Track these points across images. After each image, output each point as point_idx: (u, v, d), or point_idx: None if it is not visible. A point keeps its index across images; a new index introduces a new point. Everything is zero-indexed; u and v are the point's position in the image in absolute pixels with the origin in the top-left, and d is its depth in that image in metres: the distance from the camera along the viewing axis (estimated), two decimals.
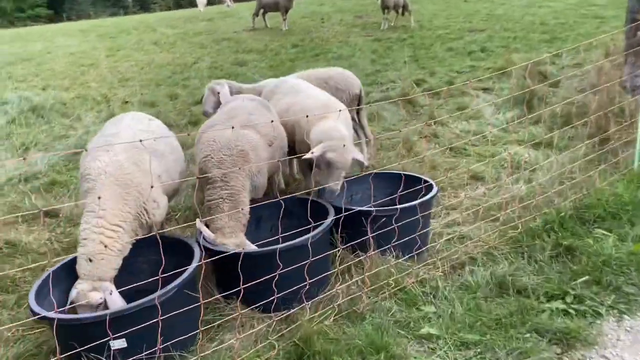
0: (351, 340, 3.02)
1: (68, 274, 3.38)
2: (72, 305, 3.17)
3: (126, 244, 3.40)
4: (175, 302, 3.02)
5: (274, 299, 3.34)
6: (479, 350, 2.99)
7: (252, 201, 4.05)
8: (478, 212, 4.57)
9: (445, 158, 6.15)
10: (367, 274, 3.46)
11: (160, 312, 2.87)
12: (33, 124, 7.65)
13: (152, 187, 3.33)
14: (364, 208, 3.93)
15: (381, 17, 16.26)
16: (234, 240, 3.65)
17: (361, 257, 3.73)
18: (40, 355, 3.23)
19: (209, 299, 3.32)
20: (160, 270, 2.69)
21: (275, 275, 3.18)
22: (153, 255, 3.70)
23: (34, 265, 3.66)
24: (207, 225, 3.75)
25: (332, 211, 3.86)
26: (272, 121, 4.09)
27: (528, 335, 3.08)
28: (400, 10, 16.18)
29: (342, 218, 3.99)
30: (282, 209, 3.79)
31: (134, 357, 2.86)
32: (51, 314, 2.90)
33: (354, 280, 3.54)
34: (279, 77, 10.04)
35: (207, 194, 3.78)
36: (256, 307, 3.50)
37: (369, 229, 3.73)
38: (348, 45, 13.71)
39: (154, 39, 16.74)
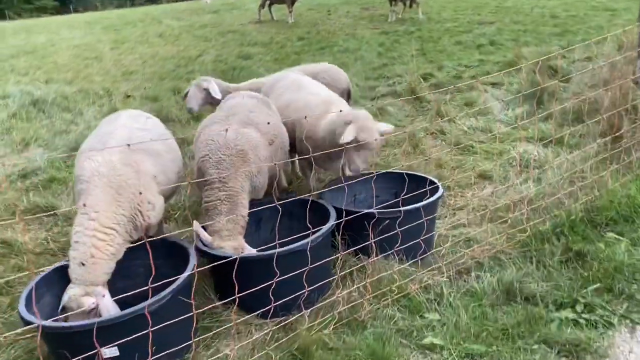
0: (351, 351, 2.90)
1: (61, 277, 3.28)
2: (66, 314, 3.07)
3: (120, 247, 3.30)
4: (169, 310, 2.92)
5: (272, 304, 3.24)
6: None
7: (253, 201, 3.95)
8: (485, 214, 4.43)
9: (452, 156, 6.00)
10: (368, 280, 3.33)
11: (151, 321, 2.78)
12: (34, 119, 7.56)
13: (140, 193, 3.19)
14: (366, 211, 3.78)
15: (388, 9, 16.03)
16: (232, 243, 3.54)
17: (364, 263, 3.60)
18: None
19: (203, 309, 3.21)
20: (150, 280, 2.56)
21: (273, 281, 3.07)
22: (148, 258, 3.60)
23: (22, 274, 3.54)
24: (204, 228, 3.64)
25: (333, 214, 3.73)
26: (268, 123, 3.93)
27: (536, 346, 2.95)
28: (407, 2, 15.94)
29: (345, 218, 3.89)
30: (282, 210, 3.70)
31: None
32: (39, 321, 2.80)
33: (355, 287, 3.41)
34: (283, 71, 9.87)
35: (205, 195, 3.67)
36: (255, 314, 3.38)
37: (371, 233, 3.59)
38: (355, 38, 13.51)
39: (159, 31, 16.61)
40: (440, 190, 4.06)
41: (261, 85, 5.49)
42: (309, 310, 3.23)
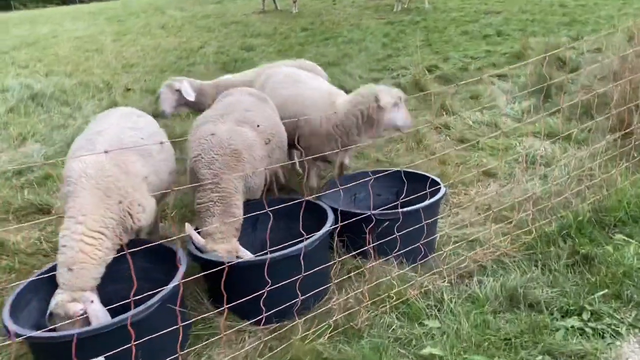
0: None
1: (49, 281, 3.18)
2: (57, 322, 2.96)
3: (109, 251, 3.18)
4: (157, 319, 2.81)
5: (265, 311, 3.13)
6: None
7: (249, 202, 3.83)
8: (488, 212, 4.29)
9: (456, 151, 5.84)
10: (366, 287, 3.20)
11: (138, 330, 2.67)
12: (32, 113, 7.45)
13: (120, 202, 3.08)
14: (360, 212, 3.64)
15: None
16: (226, 246, 3.42)
17: (362, 269, 3.47)
18: None
19: (193, 319, 3.09)
20: (132, 293, 2.44)
21: (266, 286, 2.96)
22: (140, 262, 3.50)
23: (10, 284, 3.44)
24: (197, 230, 3.53)
25: (331, 216, 3.60)
26: (258, 125, 3.80)
27: (540, 357, 2.82)
28: None
29: (342, 220, 3.76)
30: (279, 211, 3.56)
31: None
32: (19, 330, 2.70)
33: (351, 294, 3.28)
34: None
35: (197, 197, 3.55)
36: (249, 322, 3.27)
37: (368, 236, 3.46)
38: (359, 29, 13.33)
39: (162, 22, 16.46)
40: (442, 190, 3.92)
41: (235, 82, 5.27)
42: (302, 320, 3.10)
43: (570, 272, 3.49)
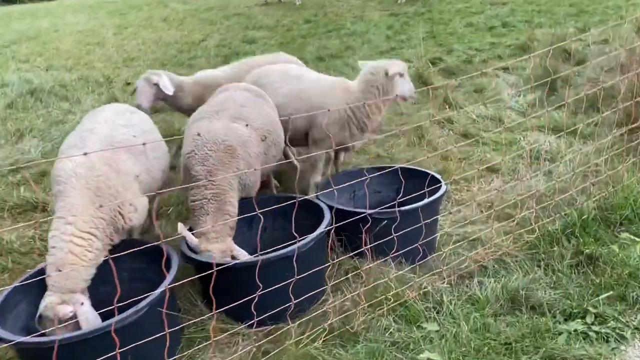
0: None
1: (40, 282, 3.10)
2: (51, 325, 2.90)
3: (99, 252, 3.11)
4: (146, 323, 2.74)
5: (259, 313, 3.05)
6: None
7: (244, 200, 3.75)
8: (491, 210, 4.19)
9: (459, 147, 5.72)
10: (362, 289, 3.11)
11: (124, 336, 2.60)
12: (30, 108, 7.38)
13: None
14: (362, 211, 3.55)
15: None
16: (220, 246, 3.34)
17: (360, 270, 3.38)
18: None
19: (180, 325, 3.01)
20: (116, 299, 2.36)
21: (259, 288, 2.88)
22: (132, 262, 3.43)
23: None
24: (191, 229, 3.45)
25: (327, 215, 3.51)
26: (247, 125, 3.68)
27: None
28: None
29: (339, 218, 3.67)
30: (276, 210, 3.48)
31: None
32: (3, 334, 2.63)
33: (348, 296, 3.19)
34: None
35: (191, 194, 3.46)
36: (243, 325, 3.19)
37: (364, 235, 3.37)
38: (363, 21, 13.16)
39: (164, 15, 16.34)
40: (443, 188, 3.82)
41: (214, 78, 5.15)
42: (297, 323, 3.01)
43: (574, 273, 3.38)
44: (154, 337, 2.50)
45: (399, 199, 3.57)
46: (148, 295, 2.78)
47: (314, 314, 3.12)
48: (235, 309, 3.01)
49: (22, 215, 4.77)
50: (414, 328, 3.03)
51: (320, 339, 2.92)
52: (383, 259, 3.49)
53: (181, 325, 3.07)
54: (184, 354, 2.95)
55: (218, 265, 2.78)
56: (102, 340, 2.60)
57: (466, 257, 3.59)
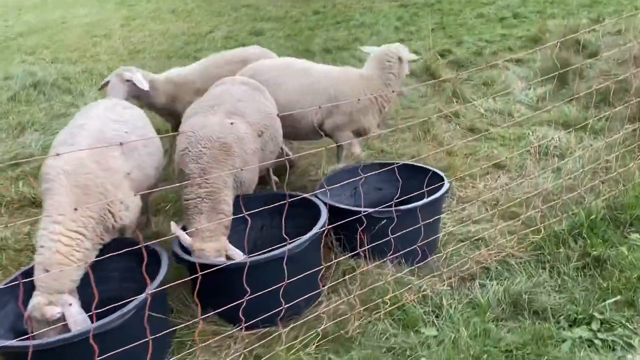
0: None
1: (29, 282, 3.03)
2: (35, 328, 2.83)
3: (89, 252, 3.03)
4: (132, 327, 2.65)
5: (251, 316, 2.96)
6: None
7: (239, 197, 3.65)
8: (496, 208, 4.06)
9: (465, 142, 5.57)
10: (357, 293, 3.00)
11: (110, 340, 2.53)
12: (33, 102, 7.33)
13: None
14: (358, 210, 3.43)
15: None
16: (214, 245, 3.24)
17: (355, 272, 3.27)
18: None
19: (171, 329, 2.90)
20: (93, 306, 2.27)
21: (250, 290, 2.79)
22: (123, 262, 3.35)
23: None
24: (185, 229, 3.35)
25: (324, 213, 3.39)
26: (232, 123, 3.51)
27: None
28: None
29: (337, 216, 3.57)
30: (272, 207, 3.37)
31: None
32: None
33: (342, 300, 3.09)
34: (296, 48, 9.37)
35: (185, 192, 3.37)
36: (237, 327, 3.09)
37: (360, 235, 3.25)
38: (372, 12, 12.97)
39: (172, 6, 16.23)
40: (445, 186, 3.69)
41: (184, 77, 5.01)
42: (287, 329, 2.92)
43: (580, 276, 3.25)
44: (139, 342, 2.40)
45: (399, 197, 3.46)
46: (131, 301, 2.68)
47: (308, 318, 3.02)
48: (228, 311, 2.93)
49: (19, 210, 4.72)
50: (412, 333, 2.93)
51: (313, 344, 2.81)
52: (382, 260, 3.38)
53: (172, 329, 2.98)
54: (174, 357, 2.86)
55: (204, 268, 2.68)
56: (84, 345, 2.51)
57: (468, 259, 3.46)
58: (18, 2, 20.88)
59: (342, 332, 2.89)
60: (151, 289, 2.63)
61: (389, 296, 3.06)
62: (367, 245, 3.41)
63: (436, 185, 3.73)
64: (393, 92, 4.67)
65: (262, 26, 12.07)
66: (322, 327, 2.88)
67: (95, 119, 3.43)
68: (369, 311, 3.04)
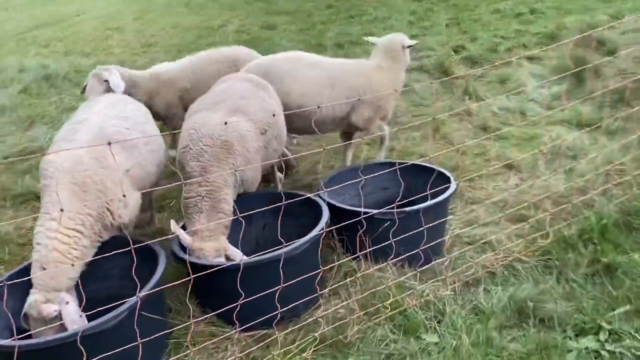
0: None
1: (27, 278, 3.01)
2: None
3: (87, 249, 3.00)
4: (126, 328, 2.61)
5: (249, 318, 2.92)
6: None
7: (243, 195, 3.61)
8: (505, 210, 3.96)
9: (477, 141, 5.45)
10: (356, 297, 2.93)
11: (103, 341, 2.50)
12: (44, 95, 7.34)
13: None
14: (363, 211, 3.35)
15: None
16: (213, 245, 3.19)
17: (356, 276, 3.19)
18: None
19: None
20: (82, 307, 2.22)
21: (247, 291, 2.74)
22: (122, 259, 3.31)
23: None
24: (185, 227, 3.31)
25: (325, 216, 3.32)
26: (225, 123, 3.41)
27: None
28: None
29: (339, 216, 3.50)
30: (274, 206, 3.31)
31: None
32: None
33: (342, 304, 3.02)
34: (308, 42, 9.24)
35: (185, 190, 3.32)
36: (236, 329, 3.05)
37: (360, 237, 3.18)
38: (386, 6, 12.80)
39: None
40: (452, 188, 3.60)
41: (167, 74, 4.92)
42: (283, 333, 2.86)
43: (589, 283, 3.15)
44: (131, 345, 2.36)
45: (405, 197, 3.38)
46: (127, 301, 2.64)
47: (307, 321, 2.96)
48: (225, 312, 2.88)
49: (24, 204, 4.72)
50: (412, 339, 2.85)
51: (310, 349, 2.75)
52: (384, 263, 3.30)
53: (169, 331, 2.93)
54: (172, 358, 2.82)
55: (197, 268, 2.63)
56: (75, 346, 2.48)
57: (473, 263, 3.37)
58: None
59: (340, 337, 2.82)
60: (144, 291, 2.58)
61: (390, 301, 2.98)
62: (370, 247, 3.35)
63: (443, 186, 3.64)
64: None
65: (275, 20, 11.98)
66: (320, 331, 2.81)
67: (96, 115, 3.40)
68: (369, 316, 2.97)
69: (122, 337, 2.51)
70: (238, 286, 2.71)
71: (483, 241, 3.66)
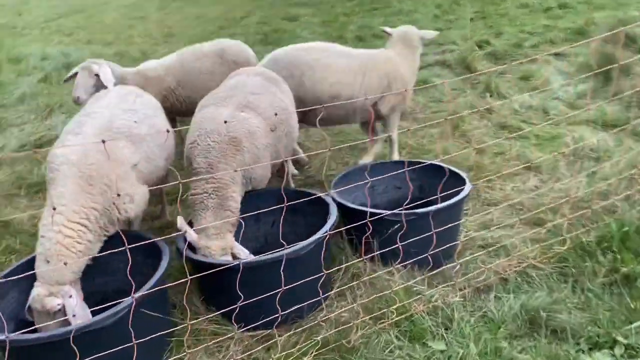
0: None
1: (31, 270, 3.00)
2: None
3: (91, 244, 2.98)
4: (126, 325, 2.58)
5: (251, 317, 2.88)
6: None
7: (252, 192, 3.55)
8: (522, 214, 3.83)
9: (497, 139, 5.31)
10: (362, 300, 2.86)
11: (103, 338, 2.48)
12: (64, 83, 7.38)
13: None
14: (382, 212, 3.27)
15: None
16: (219, 243, 3.15)
17: (361, 280, 3.11)
18: None
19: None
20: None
21: (251, 290, 2.70)
22: (130, 255, 3.29)
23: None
24: (191, 223, 3.27)
25: (333, 216, 3.24)
26: (225, 121, 3.30)
27: None
28: None
29: (349, 215, 3.44)
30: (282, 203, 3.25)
31: None
32: None
33: (345, 308, 2.95)
34: (329, 34, 9.15)
35: (192, 187, 3.28)
36: (240, 330, 3.00)
37: (369, 238, 3.10)
38: None
39: None
40: (466, 190, 3.49)
41: (154, 71, 4.81)
42: (287, 335, 2.80)
43: (607, 294, 3.01)
44: (128, 345, 2.32)
45: (419, 198, 3.29)
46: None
47: (311, 324, 2.90)
48: (227, 311, 2.84)
49: (38, 194, 4.74)
50: (418, 346, 2.76)
51: (312, 353, 2.68)
52: (393, 266, 3.22)
53: (170, 330, 2.90)
54: (173, 358, 2.79)
55: (200, 266, 2.59)
56: (80, 340, 2.46)
57: (485, 268, 3.26)
58: None
59: (343, 341, 2.75)
60: (142, 291, 2.55)
61: (396, 305, 2.90)
62: (378, 249, 3.27)
63: (458, 187, 3.53)
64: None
65: (297, 11, 11.90)
66: (324, 335, 2.74)
67: (105, 107, 3.38)
68: (375, 320, 2.89)
69: (123, 334, 2.48)
70: (237, 286, 2.67)
71: (497, 245, 3.54)
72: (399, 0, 12.57)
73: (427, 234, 3.10)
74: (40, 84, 7.37)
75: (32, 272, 2.77)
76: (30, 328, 2.80)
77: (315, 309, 3.10)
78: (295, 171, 4.94)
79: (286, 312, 2.84)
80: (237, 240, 3.22)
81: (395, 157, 4.88)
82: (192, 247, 3.16)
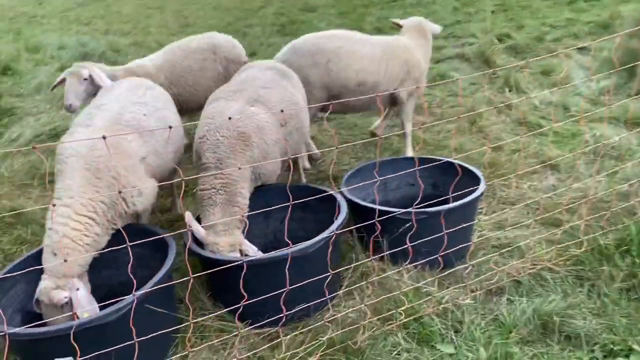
0: None
1: (39, 262, 2.99)
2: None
3: (99, 237, 2.96)
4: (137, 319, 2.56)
5: (257, 315, 2.84)
6: None
7: (261, 187, 3.51)
8: (538, 214, 3.73)
9: (515, 136, 5.18)
10: (370, 301, 2.80)
11: (108, 333, 2.46)
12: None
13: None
14: (393, 210, 3.20)
15: None
16: (228, 239, 3.11)
17: (368, 281, 3.05)
18: None
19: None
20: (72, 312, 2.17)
21: (256, 287, 2.66)
22: (137, 247, 3.26)
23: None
24: (199, 220, 3.23)
25: (342, 214, 3.18)
26: (229, 118, 3.23)
27: None
28: None
29: (359, 213, 3.37)
30: (293, 200, 3.20)
31: None
32: None
33: (353, 308, 2.89)
34: (347, 26, 9.11)
35: (200, 182, 3.24)
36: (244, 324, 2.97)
37: (379, 237, 3.03)
38: None
39: None
40: (481, 189, 3.40)
41: (142, 68, 4.68)
42: (293, 334, 2.75)
43: (624, 300, 2.91)
44: (130, 343, 2.30)
45: (433, 195, 3.22)
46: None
47: (317, 323, 2.85)
48: (235, 308, 2.80)
49: (51, 184, 4.73)
50: (426, 349, 2.70)
51: (318, 353, 2.64)
52: (402, 266, 3.16)
53: (177, 327, 2.88)
54: (178, 354, 2.76)
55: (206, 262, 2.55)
56: (83, 335, 2.45)
57: (498, 270, 3.17)
58: None
59: (350, 342, 2.69)
60: (146, 288, 2.52)
61: (405, 307, 2.83)
62: (388, 247, 3.21)
63: (473, 186, 3.45)
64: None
65: (315, 2, 11.79)
66: (330, 335, 2.69)
67: (114, 100, 3.35)
68: (382, 321, 2.83)
69: (126, 330, 2.46)
70: (247, 283, 2.62)
71: (511, 246, 3.45)
72: None
73: (438, 234, 3.02)
74: (57, 74, 7.35)
75: (39, 267, 2.76)
76: (40, 322, 2.80)
77: (323, 307, 3.05)
78: (308, 165, 4.88)
79: (293, 310, 2.80)
80: (245, 235, 3.19)
81: (409, 152, 4.82)
82: (200, 243, 3.13)
